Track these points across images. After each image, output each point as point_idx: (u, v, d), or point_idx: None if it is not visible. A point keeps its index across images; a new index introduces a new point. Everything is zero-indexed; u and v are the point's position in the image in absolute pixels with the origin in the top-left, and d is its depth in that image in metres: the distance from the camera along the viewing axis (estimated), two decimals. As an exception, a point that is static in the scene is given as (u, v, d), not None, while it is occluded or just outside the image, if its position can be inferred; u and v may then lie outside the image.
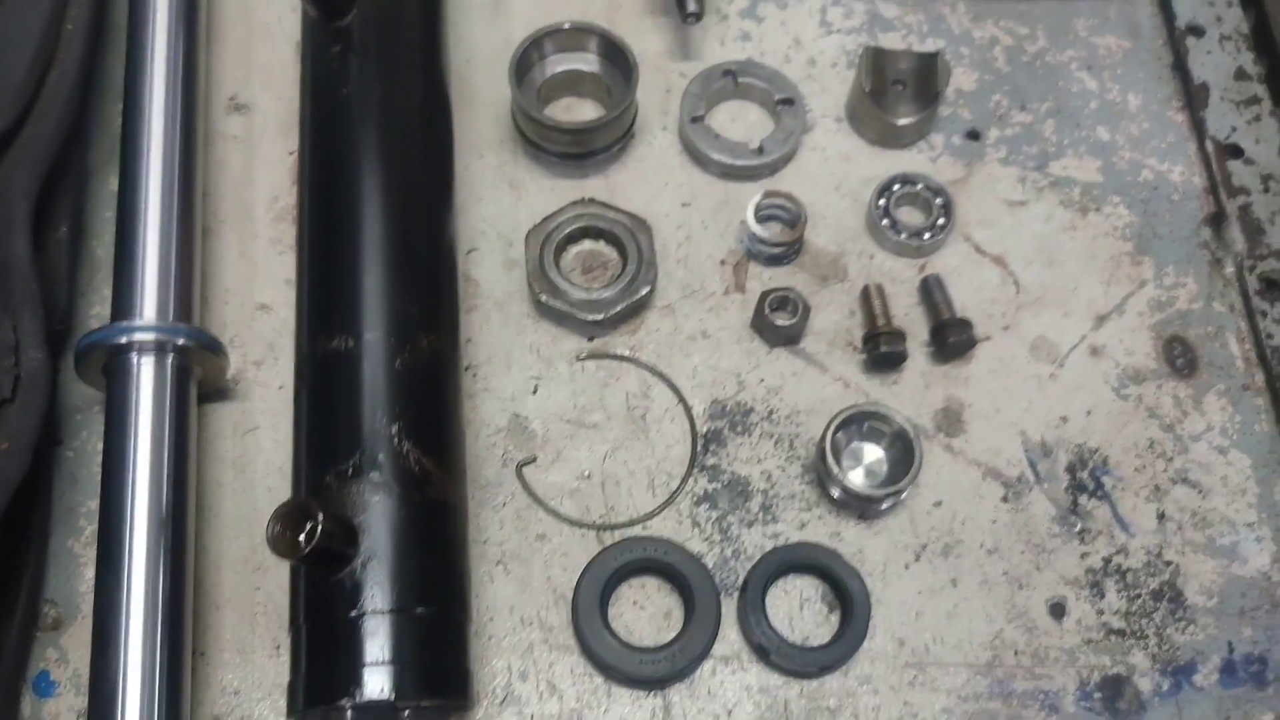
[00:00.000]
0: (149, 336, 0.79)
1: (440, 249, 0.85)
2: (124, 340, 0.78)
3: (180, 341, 0.80)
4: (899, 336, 0.88)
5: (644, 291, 0.89)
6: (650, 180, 0.96)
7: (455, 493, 0.76)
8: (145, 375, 0.79)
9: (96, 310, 0.89)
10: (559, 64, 0.97)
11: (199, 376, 0.83)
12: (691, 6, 0.96)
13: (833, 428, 0.83)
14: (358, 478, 0.71)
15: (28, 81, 0.87)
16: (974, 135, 0.99)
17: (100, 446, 0.80)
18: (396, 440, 0.73)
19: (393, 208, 0.82)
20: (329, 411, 0.75)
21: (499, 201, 0.95)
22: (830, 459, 0.82)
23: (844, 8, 1.04)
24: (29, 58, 0.87)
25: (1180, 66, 1.02)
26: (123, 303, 0.81)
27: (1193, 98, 1.00)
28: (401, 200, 0.82)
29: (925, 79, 0.96)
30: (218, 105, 0.98)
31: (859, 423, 0.85)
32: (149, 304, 0.81)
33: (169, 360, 0.80)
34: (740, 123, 0.99)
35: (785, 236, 0.91)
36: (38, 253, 0.83)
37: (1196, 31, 1.03)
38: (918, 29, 1.04)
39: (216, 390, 0.86)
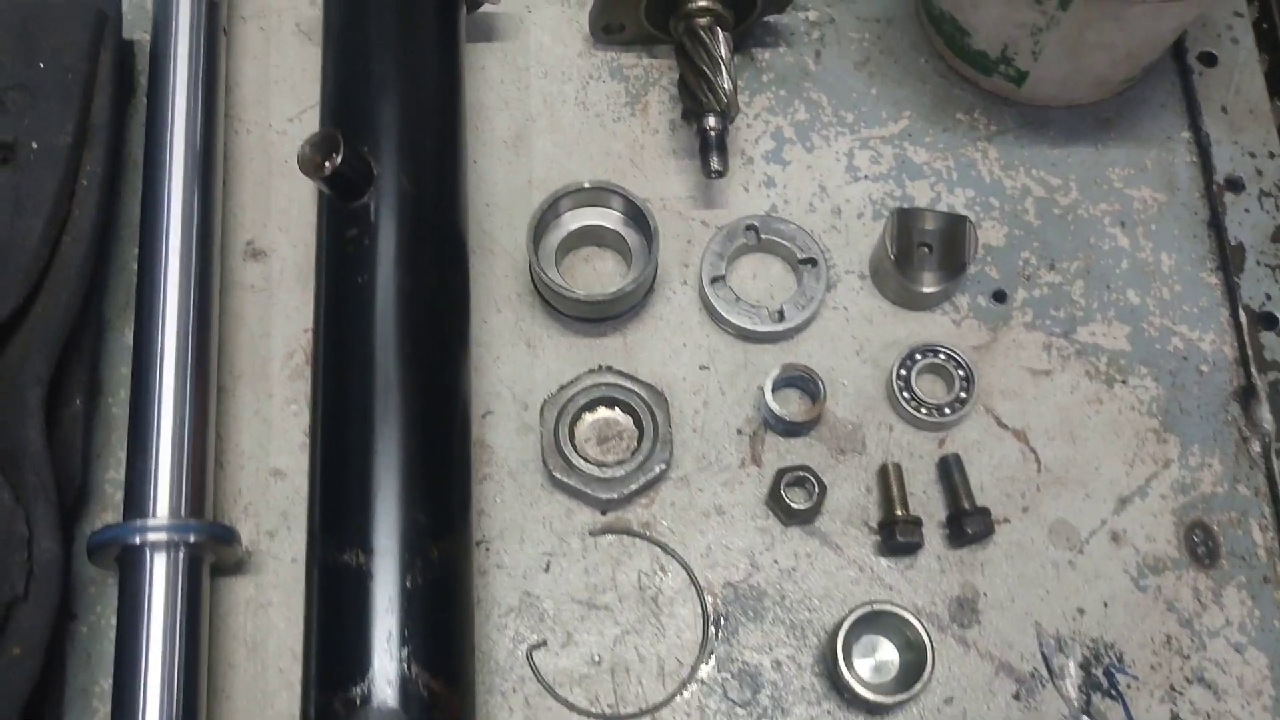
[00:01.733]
0: (161, 536, 0.79)
1: (456, 426, 0.84)
2: (137, 540, 0.79)
3: (193, 539, 0.80)
4: (915, 525, 0.87)
5: (658, 470, 0.88)
6: (668, 339, 0.95)
7: (464, 707, 0.76)
8: (158, 568, 0.79)
9: (111, 474, 0.89)
10: (579, 219, 0.95)
11: (211, 560, 0.83)
12: (715, 165, 0.94)
13: (845, 627, 0.83)
14: (365, 706, 0.72)
15: (40, 251, 0.86)
16: (1000, 296, 0.97)
17: (114, 620, 0.81)
18: (405, 665, 0.73)
19: (409, 393, 0.80)
20: (338, 631, 0.75)
21: (515, 361, 0.94)
22: (842, 664, 0.82)
23: (871, 152, 1.02)
24: (43, 224, 0.86)
25: (1216, 224, 1.00)
26: (136, 497, 0.81)
27: (1228, 260, 0.98)
28: (418, 385, 0.81)
29: (952, 245, 0.93)
30: (234, 251, 0.97)
31: (874, 620, 0.84)
32: (162, 500, 0.81)
33: (181, 554, 0.80)
34: (762, 279, 0.97)
35: (804, 416, 0.90)
36: (52, 430, 0.83)
37: (1235, 186, 1.00)
38: (947, 176, 1.01)
39: (230, 565, 0.87)
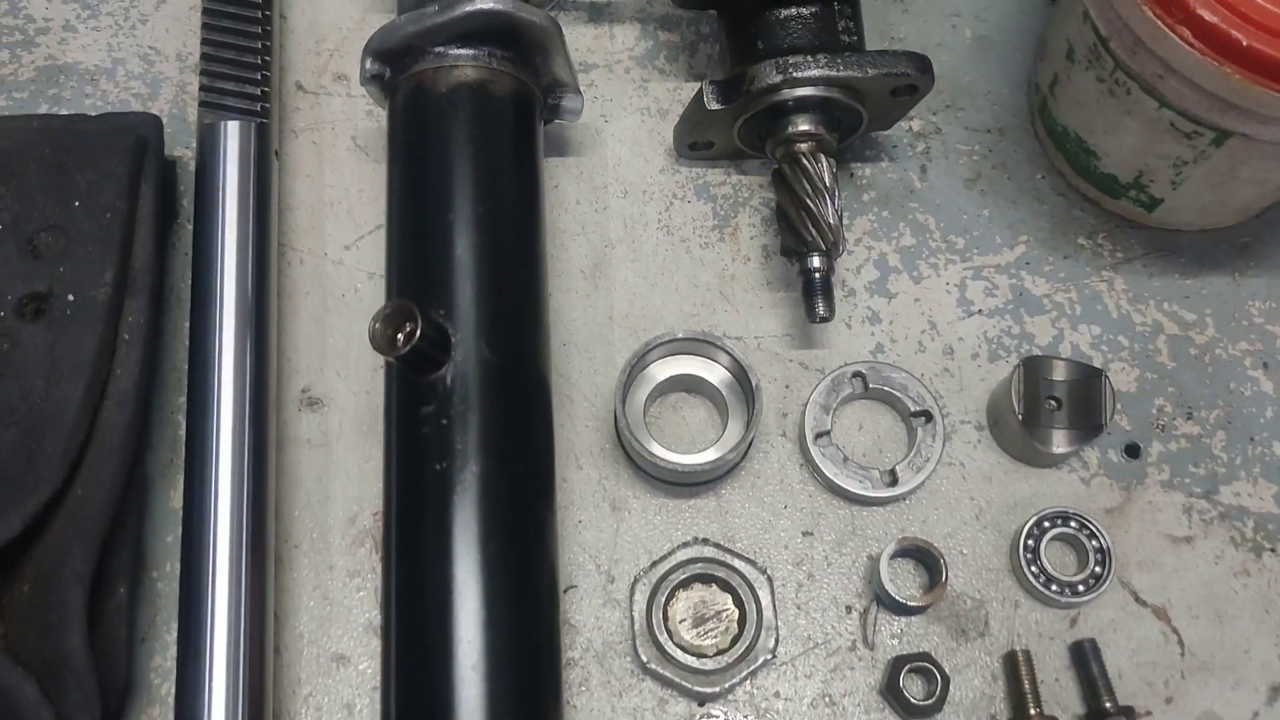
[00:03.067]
0: (218, 765, 0.71)
1: (544, 617, 0.75)
2: (190, 770, 0.70)
3: (252, 764, 0.72)
4: (1051, 727, 0.79)
5: (762, 660, 0.80)
6: (768, 501, 0.86)
7: None
8: (213, 795, 0.71)
9: (157, 661, 0.81)
10: (669, 369, 0.86)
11: (271, 775, 0.75)
12: (821, 311, 0.85)
13: None
14: None
15: (80, 422, 0.77)
16: (1133, 451, 0.88)
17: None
18: None
19: (493, 587, 0.71)
20: None
21: (599, 526, 0.85)
22: None
23: (985, 282, 0.92)
24: (82, 391, 0.78)
25: (1370, 366, 0.90)
26: (188, 708, 0.73)
27: (1384, 408, 0.89)
28: (503, 577, 0.72)
29: (1086, 401, 0.84)
30: (289, 400, 0.88)
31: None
32: (218, 713, 0.72)
33: (238, 778, 0.72)
34: (869, 430, 0.88)
35: (924, 600, 0.81)
36: (94, 628, 0.75)
37: (1390, 322, 0.91)
38: (1069, 310, 0.92)
39: (289, 770, 0.78)
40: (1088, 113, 0.87)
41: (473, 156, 0.80)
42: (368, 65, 0.84)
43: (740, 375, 0.84)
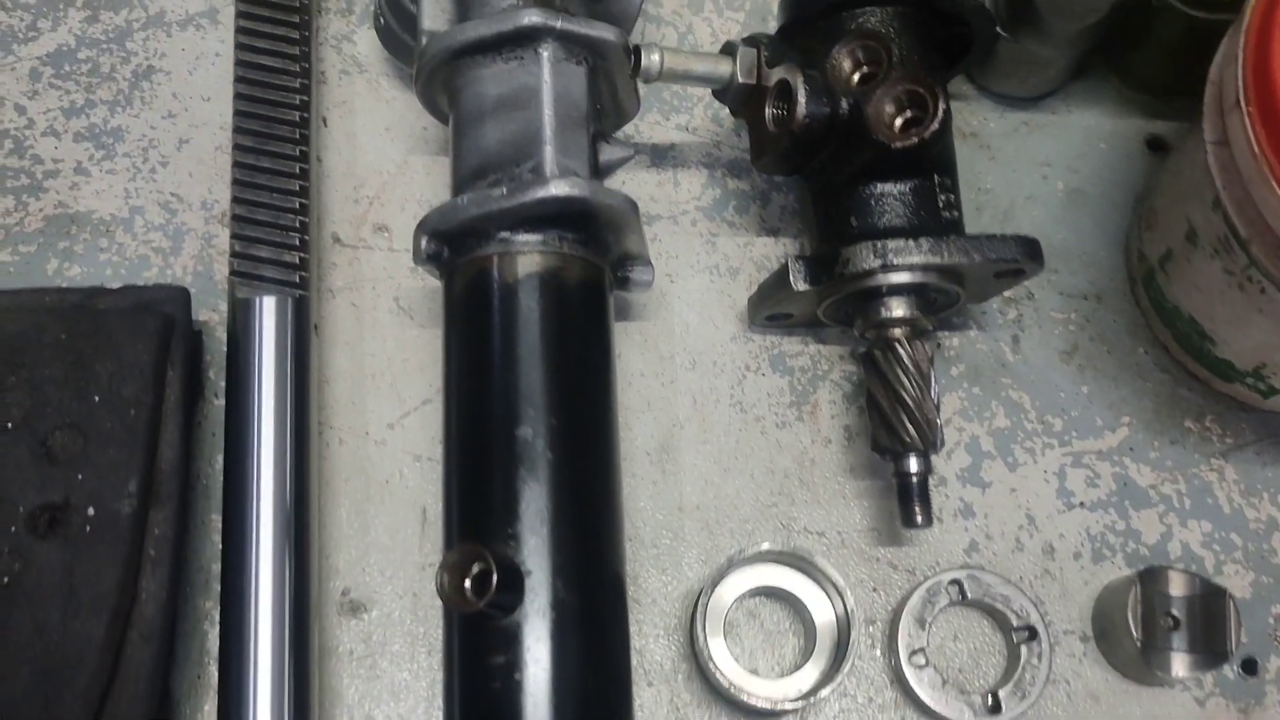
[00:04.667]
0: None
1: None
2: None
3: None
4: None
5: None
6: (857, 723, 0.79)
7: None
8: None
9: None
10: (749, 579, 0.79)
11: None
12: (920, 519, 0.77)
13: None
14: None
15: (103, 661, 0.69)
16: (1250, 667, 0.81)
17: None
18: None
19: None
20: None
21: (673, 753, 0.78)
22: None
23: (1086, 470, 0.85)
24: (104, 625, 0.69)
25: None
26: None
27: None
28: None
29: (1208, 624, 0.77)
30: (328, 603, 0.80)
31: None
32: None
33: None
34: (964, 641, 0.81)
35: None
36: None
37: None
38: (1178, 503, 0.85)
39: None
40: (1208, 300, 0.80)
41: (543, 358, 0.72)
42: (423, 244, 0.75)
43: (841, 618, 0.76)
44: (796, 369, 0.87)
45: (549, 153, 0.74)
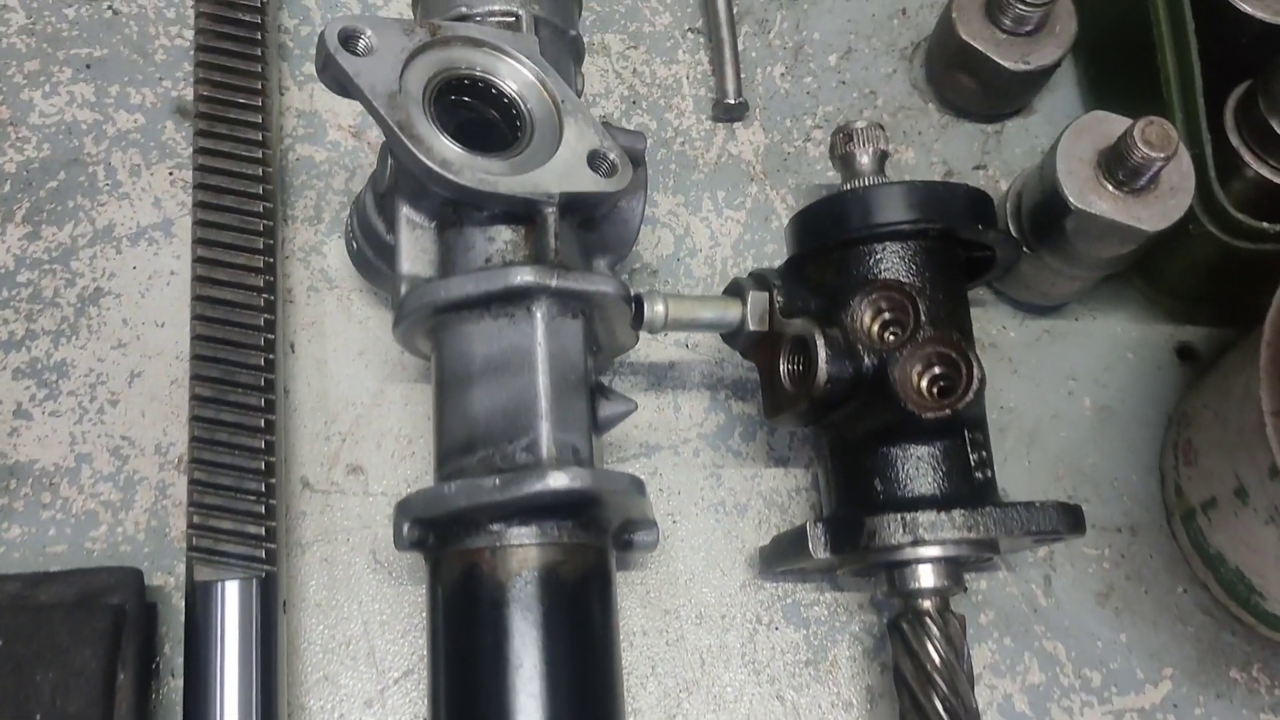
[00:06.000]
0: None
1: None
2: None
3: None
4: None
5: None
6: None
7: None
8: None
9: None
10: None
11: None
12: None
13: None
14: None
15: None
16: None
17: None
18: None
19: None
20: None
21: None
22: None
23: (1129, 731, 0.79)
24: None
25: None
26: None
27: None
28: None
29: None
30: None
31: None
32: None
33: None
34: None
35: None
36: None
37: None
38: (1227, 766, 0.78)
39: None
40: (1260, 560, 0.74)
41: (542, 674, 0.64)
42: (405, 530, 0.68)
43: None
44: (812, 620, 0.80)
45: (545, 429, 0.67)
